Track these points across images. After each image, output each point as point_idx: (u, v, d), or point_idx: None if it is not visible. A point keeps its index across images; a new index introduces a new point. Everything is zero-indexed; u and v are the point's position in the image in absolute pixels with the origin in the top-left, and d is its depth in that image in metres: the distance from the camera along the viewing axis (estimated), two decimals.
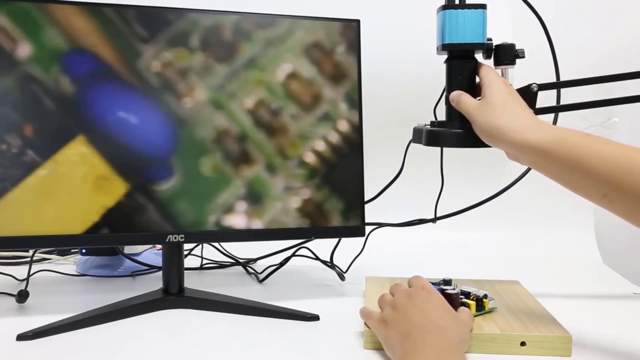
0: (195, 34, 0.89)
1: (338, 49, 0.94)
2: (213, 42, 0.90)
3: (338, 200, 0.94)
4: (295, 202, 0.92)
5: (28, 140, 0.83)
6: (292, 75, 0.92)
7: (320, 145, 0.93)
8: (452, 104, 0.82)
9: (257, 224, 0.91)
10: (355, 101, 0.95)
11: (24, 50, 0.83)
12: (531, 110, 0.79)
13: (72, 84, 0.84)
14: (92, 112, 0.85)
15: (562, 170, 0.71)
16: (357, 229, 0.97)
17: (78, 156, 0.84)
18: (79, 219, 0.85)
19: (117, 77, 0.86)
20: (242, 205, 0.90)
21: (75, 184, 0.84)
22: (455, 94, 0.82)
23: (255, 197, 0.91)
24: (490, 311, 0.84)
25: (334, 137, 0.94)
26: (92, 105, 0.85)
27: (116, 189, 0.86)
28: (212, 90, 0.89)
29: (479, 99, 0.81)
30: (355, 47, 0.96)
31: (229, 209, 0.90)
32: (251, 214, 0.91)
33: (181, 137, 0.88)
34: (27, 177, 0.83)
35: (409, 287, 0.79)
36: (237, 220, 0.90)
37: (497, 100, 0.77)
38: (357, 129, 0.97)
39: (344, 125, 0.94)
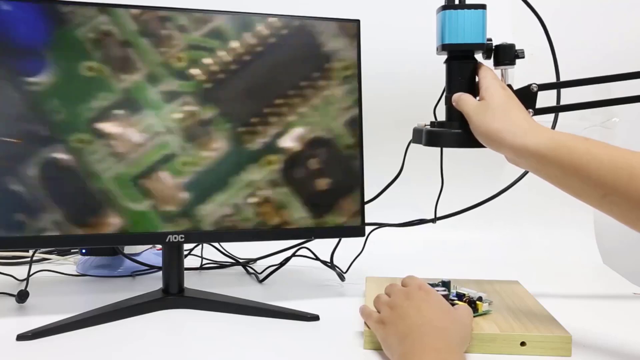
0: None
1: None
2: None
3: (225, 121, 0.91)
4: (176, 114, 0.89)
5: None
6: None
7: (208, 61, 0.90)
8: (453, 103, 0.83)
9: (133, 133, 0.87)
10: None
11: None
12: (529, 113, 0.79)
13: None
14: None
15: (561, 175, 0.71)
16: (357, 229, 0.97)
17: None
18: None
19: None
20: (118, 112, 0.87)
21: None
22: (456, 94, 0.82)
23: (133, 105, 0.88)
24: (484, 314, 0.84)
25: (224, 55, 0.91)
26: None
27: None
28: None
29: (478, 99, 0.81)
30: (355, 47, 0.97)
31: (104, 114, 0.87)
32: (127, 122, 0.87)
33: (59, 34, 0.85)
34: None
35: (404, 287, 0.79)
36: (112, 128, 0.87)
37: (495, 104, 0.77)
38: (357, 129, 0.97)
39: (235, 45, 0.91)
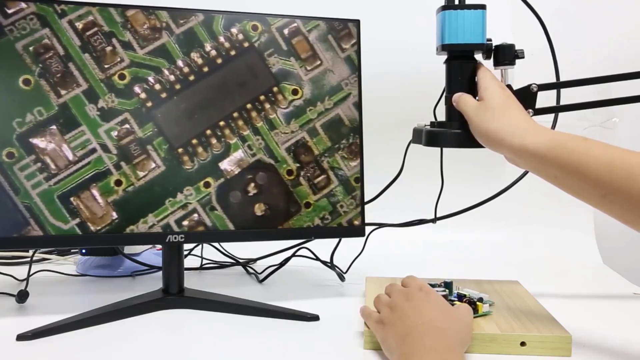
0: None
1: None
2: None
3: (164, 141, 0.88)
4: (113, 132, 0.87)
5: None
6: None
7: (151, 79, 0.89)
8: (453, 103, 0.83)
9: (67, 150, 0.86)
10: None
11: None
12: (528, 114, 0.79)
13: None
14: None
15: (561, 175, 0.71)
16: (357, 229, 0.97)
17: None
18: None
19: None
20: (54, 127, 0.85)
21: None
22: (456, 95, 0.82)
23: (69, 122, 0.86)
24: (485, 315, 0.84)
25: (168, 74, 0.89)
26: None
27: None
28: (38, 4, 0.85)
29: (477, 99, 0.81)
30: (355, 47, 0.97)
31: (37, 129, 0.85)
32: (61, 138, 0.85)
33: None
34: None
35: (404, 287, 0.79)
36: (45, 143, 0.85)
37: (494, 104, 0.77)
38: (357, 128, 0.97)
39: (182, 63, 0.89)
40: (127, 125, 0.88)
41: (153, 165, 0.89)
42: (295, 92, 0.94)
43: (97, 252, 1.12)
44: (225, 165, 0.92)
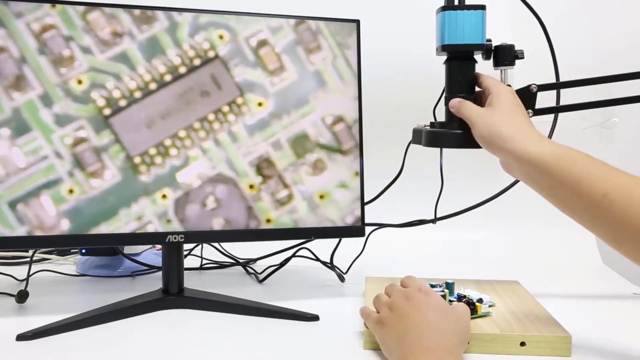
0: None
1: None
2: None
3: (120, 149, 0.86)
4: (67, 138, 0.85)
5: None
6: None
7: (110, 85, 0.86)
8: (452, 110, 0.82)
9: (18, 155, 0.83)
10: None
11: None
12: (533, 124, 0.80)
13: None
14: None
15: (558, 187, 0.72)
16: (357, 229, 0.97)
17: None
18: None
19: None
20: (5, 131, 0.83)
21: None
22: (455, 100, 0.82)
23: (21, 126, 0.84)
24: (484, 315, 0.84)
25: (130, 82, 0.87)
26: None
27: None
28: None
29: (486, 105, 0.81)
30: (355, 47, 0.97)
31: None
32: (11, 143, 0.83)
33: None
34: None
35: (404, 287, 0.79)
36: None
37: (503, 109, 0.77)
38: (357, 129, 0.96)
39: (142, 70, 0.87)
40: (82, 132, 0.86)
41: (108, 174, 0.87)
42: (260, 104, 0.92)
43: (97, 252, 1.12)
44: (184, 176, 0.89)
